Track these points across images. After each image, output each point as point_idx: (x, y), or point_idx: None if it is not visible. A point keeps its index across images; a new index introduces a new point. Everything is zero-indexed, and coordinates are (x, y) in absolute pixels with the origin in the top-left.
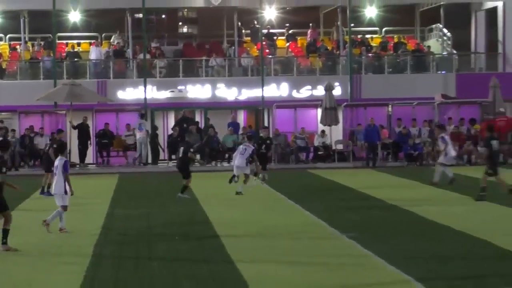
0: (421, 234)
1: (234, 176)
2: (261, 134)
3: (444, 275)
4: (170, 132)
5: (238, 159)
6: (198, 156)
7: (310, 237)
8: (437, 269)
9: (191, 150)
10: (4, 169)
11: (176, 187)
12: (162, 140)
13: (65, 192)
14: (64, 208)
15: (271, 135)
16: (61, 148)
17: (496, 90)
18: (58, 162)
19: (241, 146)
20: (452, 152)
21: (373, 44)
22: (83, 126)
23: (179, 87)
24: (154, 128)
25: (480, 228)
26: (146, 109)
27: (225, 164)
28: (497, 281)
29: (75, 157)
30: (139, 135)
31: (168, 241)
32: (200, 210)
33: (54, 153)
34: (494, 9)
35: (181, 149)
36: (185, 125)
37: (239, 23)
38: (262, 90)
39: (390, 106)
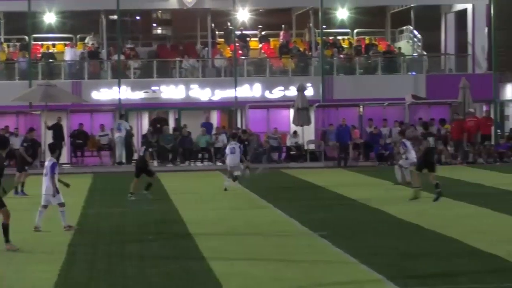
0: (392, 233)
1: (236, 177)
2: (241, 135)
3: (415, 273)
4: (144, 132)
5: (230, 160)
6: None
7: (282, 236)
8: (407, 267)
9: (149, 150)
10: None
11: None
12: (136, 140)
13: (57, 191)
14: (62, 205)
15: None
16: (51, 148)
17: (466, 91)
18: (47, 163)
19: (228, 147)
20: (412, 157)
21: (344, 45)
22: (57, 126)
23: (153, 88)
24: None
25: (448, 226)
26: (121, 110)
27: (198, 164)
28: (466, 278)
29: None
30: (118, 135)
31: (141, 239)
32: (173, 209)
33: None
34: (464, 11)
35: (143, 148)
36: (158, 125)
37: (213, 25)
38: (235, 90)
39: (361, 106)
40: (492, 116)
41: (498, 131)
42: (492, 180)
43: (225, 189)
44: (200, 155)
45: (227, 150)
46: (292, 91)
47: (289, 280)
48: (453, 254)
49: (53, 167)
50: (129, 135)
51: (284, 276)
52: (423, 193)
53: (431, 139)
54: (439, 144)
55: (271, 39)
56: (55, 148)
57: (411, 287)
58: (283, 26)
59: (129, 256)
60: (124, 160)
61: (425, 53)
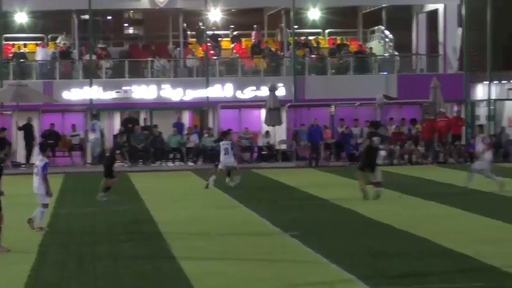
0: (363, 233)
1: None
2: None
3: (386, 273)
4: (116, 132)
5: (225, 159)
6: (123, 157)
7: (253, 235)
8: (378, 267)
9: (117, 151)
10: None
11: (120, 186)
12: (108, 140)
13: (47, 192)
14: (45, 206)
15: (215, 136)
16: (41, 147)
17: (437, 91)
18: (38, 162)
19: (222, 147)
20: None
21: (316, 45)
22: (28, 126)
23: (125, 88)
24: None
25: (419, 226)
26: (92, 110)
27: (170, 164)
28: (437, 278)
29: (21, 158)
30: (93, 135)
31: (113, 240)
32: (144, 209)
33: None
34: (435, 11)
35: (111, 148)
36: (129, 125)
37: (185, 25)
38: (207, 90)
39: (332, 106)
40: (463, 116)
41: (469, 131)
42: (462, 180)
43: (207, 187)
44: (171, 155)
45: (222, 151)
46: (264, 91)
47: (261, 280)
48: (424, 254)
49: (44, 167)
50: (102, 135)
51: (255, 276)
52: (395, 193)
53: (375, 139)
54: (410, 144)
55: (243, 39)
56: (45, 148)
57: (382, 287)
58: (255, 26)
59: (100, 256)
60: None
61: (396, 53)
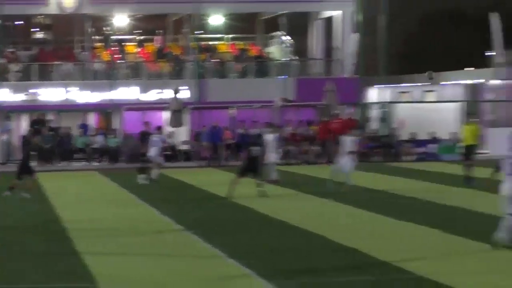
0: (260, 229)
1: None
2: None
3: (281, 267)
4: (24, 133)
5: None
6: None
7: (156, 233)
8: (275, 262)
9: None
10: None
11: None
12: (17, 141)
13: None
14: None
15: (120, 137)
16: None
17: (332, 94)
18: None
19: (153, 139)
20: (272, 157)
21: (219, 51)
22: None
23: (33, 91)
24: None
25: (313, 222)
26: (3, 112)
27: (76, 164)
28: (328, 272)
29: None
30: (5, 136)
31: (20, 239)
32: (50, 208)
33: None
34: (331, 18)
35: (25, 147)
36: (37, 127)
37: (92, 29)
38: (112, 93)
39: (232, 109)
40: (356, 117)
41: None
42: (355, 178)
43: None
44: (77, 156)
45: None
46: (168, 94)
47: (163, 275)
48: (317, 249)
49: None
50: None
51: (158, 271)
52: (290, 191)
53: (254, 149)
54: (306, 144)
55: (148, 44)
56: None
57: (278, 281)
58: (159, 31)
59: (7, 256)
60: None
61: (294, 57)
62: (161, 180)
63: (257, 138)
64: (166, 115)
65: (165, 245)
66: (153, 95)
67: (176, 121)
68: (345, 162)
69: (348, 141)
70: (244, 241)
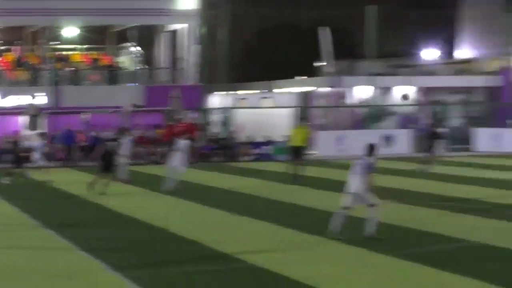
0: (112, 224)
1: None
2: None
3: (129, 260)
4: None
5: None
6: None
7: (15, 230)
8: (123, 254)
9: None
10: None
11: None
12: None
13: None
14: None
15: None
16: None
17: (177, 100)
18: None
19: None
20: (123, 159)
21: (73, 60)
22: None
23: None
24: None
25: (159, 217)
26: None
27: None
28: (171, 264)
29: None
30: None
31: None
32: None
33: None
34: (175, 31)
35: None
36: None
37: None
38: None
39: (85, 114)
40: (199, 122)
41: (204, 134)
42: (195, 177)
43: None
44: None
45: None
46: (26, 100)
47: (19, 266)
48: (162, 242)
49: None
50: None
51: (13, 264)
52: (142, 189)
53: (110, 144)
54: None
55: (7, 54)
56: None
57: (124, 272)
58: (17, 42)
59: None
60: None
61: (144, 66)
62: (21, 181)
63: (110, 140)
64: (23, 120)
65: (23, 240)
66: (12, 101)
67: (34, 125)
68: (178, 162)
69: (182, 144)
70: (95, 235)
